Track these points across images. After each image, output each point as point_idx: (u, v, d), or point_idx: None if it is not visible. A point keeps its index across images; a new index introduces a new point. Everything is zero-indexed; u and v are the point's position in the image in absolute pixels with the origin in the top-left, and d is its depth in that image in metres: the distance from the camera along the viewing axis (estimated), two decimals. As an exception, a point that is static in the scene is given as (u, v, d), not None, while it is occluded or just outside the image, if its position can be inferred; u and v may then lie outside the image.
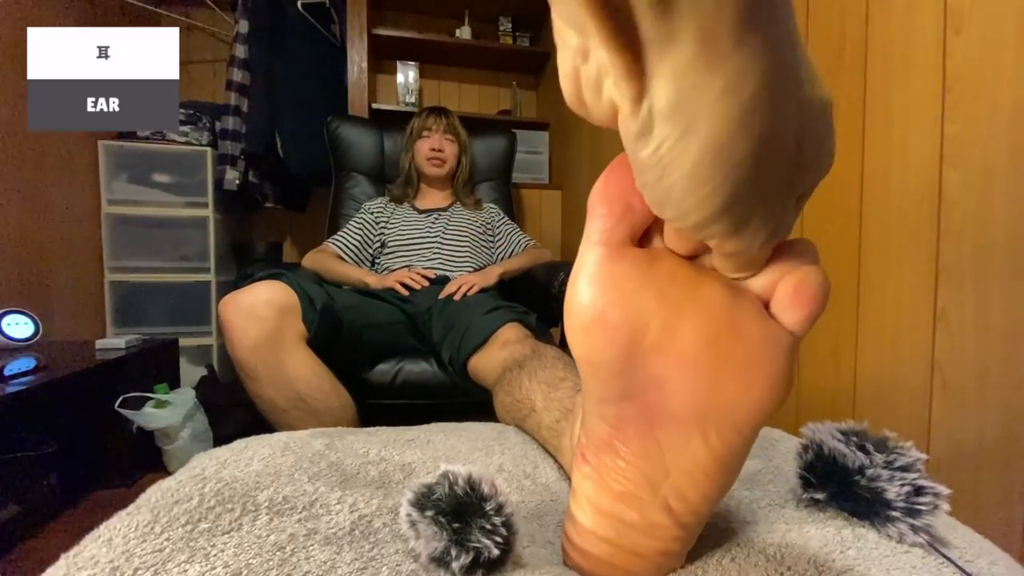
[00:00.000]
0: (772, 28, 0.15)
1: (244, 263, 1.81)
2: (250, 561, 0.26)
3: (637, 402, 0.25)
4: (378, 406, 0.97)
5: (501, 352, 0.77)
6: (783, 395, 0.24)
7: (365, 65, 1.80)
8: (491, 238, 1.38)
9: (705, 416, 0.24)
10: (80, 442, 1.11)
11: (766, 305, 0.24)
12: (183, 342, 1.49)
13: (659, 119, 0.16)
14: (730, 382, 0.24)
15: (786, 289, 0.23)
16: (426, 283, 1.11)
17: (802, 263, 0.23)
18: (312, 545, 0.28)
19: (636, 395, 0.25)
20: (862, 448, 0.32)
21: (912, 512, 0.30)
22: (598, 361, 0.25)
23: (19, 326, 1.16)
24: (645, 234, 0.25)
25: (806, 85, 0.18)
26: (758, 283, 0.24)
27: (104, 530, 0.28)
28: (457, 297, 1.05)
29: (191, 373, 1.58)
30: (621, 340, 0.24)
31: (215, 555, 0.26)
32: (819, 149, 0.19)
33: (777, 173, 0.19)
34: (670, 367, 0.24)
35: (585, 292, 0.24)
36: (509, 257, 1.34)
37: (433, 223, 1.30)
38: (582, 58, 0.17)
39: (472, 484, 0.27)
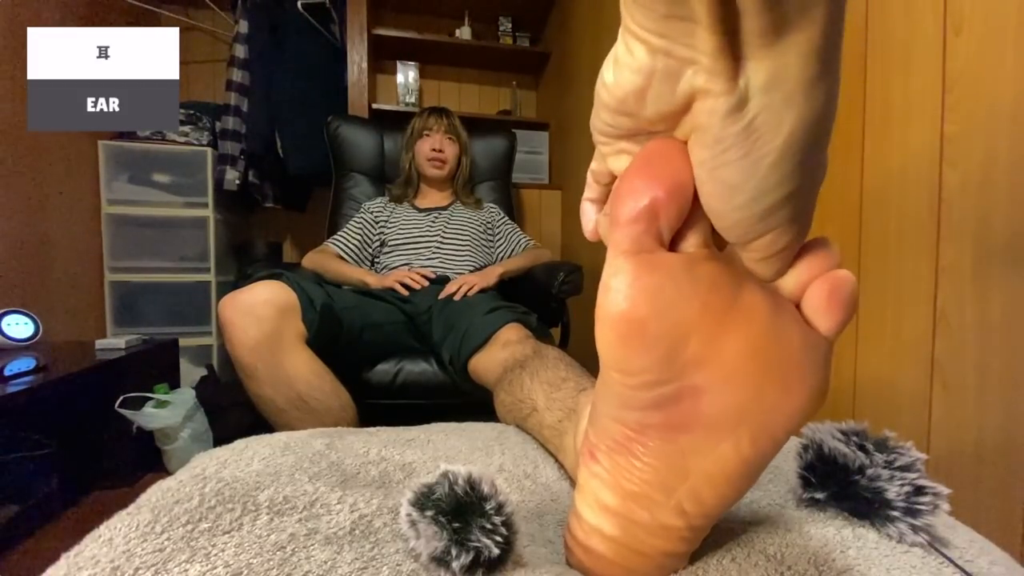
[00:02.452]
0: (842, 32, 0.18)
1: (244, 263, 1.81)
2: (251, 561, 0.26)
3: (666, 409, 0.24)
4: (378, 406, 0.97)
5: (502, 352, 0.77)
6: (821, 401, 0.24)
7: (365, 65, 1.80)
8: (491, 238, 1.38)
9: (740, 424, 0.24)
10: (80, 442, 1.11)
11: (796, 306, 0.24)
12: (183, 342, 1.49)
13: (756, 93, 0.18)
14: (771, 391, 0.23)
15: (819, 294, 0.23)
16: (426, 283, 1.11)
17: (830, 264, 0.23)
18: (312, 545, 0.28)
19: (667, 403, 0.24)
20: (862, 448, 0.32)
21: (912, 512, 0.30)
22: (632, 371, 0.24)
23: (19, 326, 1.16)
24: (676, 238, 0.24)
25: None
26: (787, 284, 0.24)
27: (105, 530, 0.28)
28: (457, 297, 1.05)
29: (191, 373, 1.58)
30: (659, 351, 0.23)
31: (216, 555, 0.26)
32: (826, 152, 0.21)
33: (822, 164, 0.20)
34: (710, 378, 0.23)
35: (621, 302, 0.23)
36: (509, 257, 1.34)
37: (433, 222, 1.31)
38: (664, 55, 0.18)
39: (472, 484, 0.27)
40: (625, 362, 0.24)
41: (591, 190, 0.28)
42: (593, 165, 0.27)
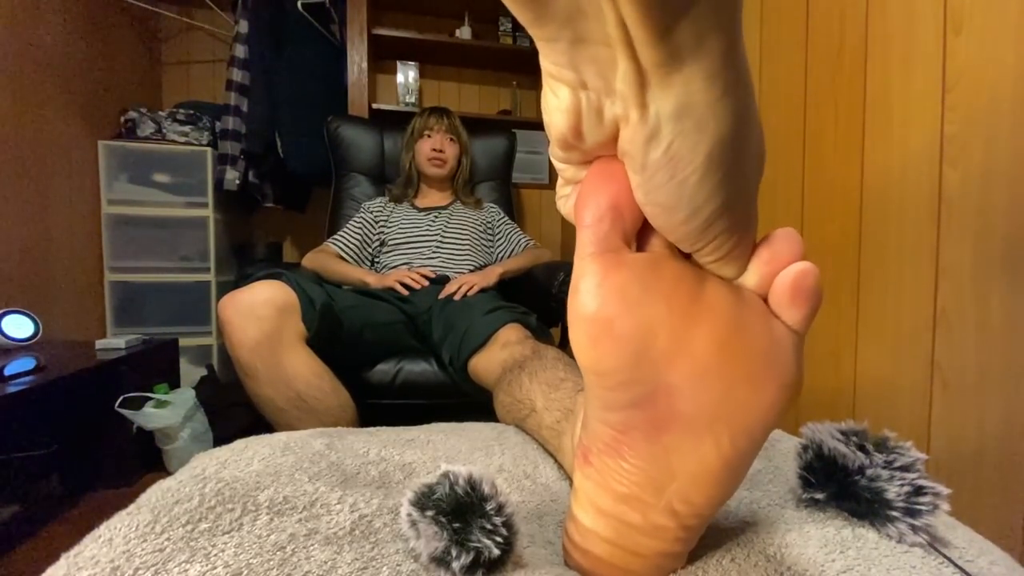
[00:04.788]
0: (743, 56, 0.19)
1: (244, 263, 1.81)
2: (250, 561, 0.26)
3: (645, 409, 0.24)
4: (378, 406, 0.97)
5: (501, 353, 0.77)
6: (794, 395, 0.24)
7: (365, 65, 1.80)
8: (491, 237, 1.38)
9: (716, 421, 0.24)
10: (80, 442, 1.11)
11: (764, 300, 0.24)
12: (183, 342, 1.49)
13: (667, 120, 0.19)
14: (743, 387, 0.23)
15: (783, 288, 0.23)
16: (426, 283, 1.11)
17: (792, 256, 0.23)
18: (312, 545, 0.28)
19: (644, 403, 0.24)
20: (862, 448, 0.32)
21: (912, 512, 0.30)
22: (605, 371, 0.24)
23: (19, 326, 1.16)
24: (640, 237, 0.24)
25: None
26: (751, 279, 0.24)
27: (104, 530, 0.28)
28: (457, 297, 1.05)
29: (191, 373, 1.58)
30: (630, 350, 0.23)
31: (215, 555, 0.26)
32: (763, 150, 0.22)
33: (755, 168, 0.21)
34: (682, 375, 0.24)
35: (589, 303, 0.23)
36: (509, 257, 1.34)
37: (433, 221, 1.31)
38: (582, 87, 0.20)
39: (473, 484, 0.27)
40: (599, 363, 0.24)
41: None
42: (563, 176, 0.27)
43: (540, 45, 0.19)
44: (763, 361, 0.23)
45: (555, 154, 0.24)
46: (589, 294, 0.23)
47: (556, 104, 0.21)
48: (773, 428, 0.25)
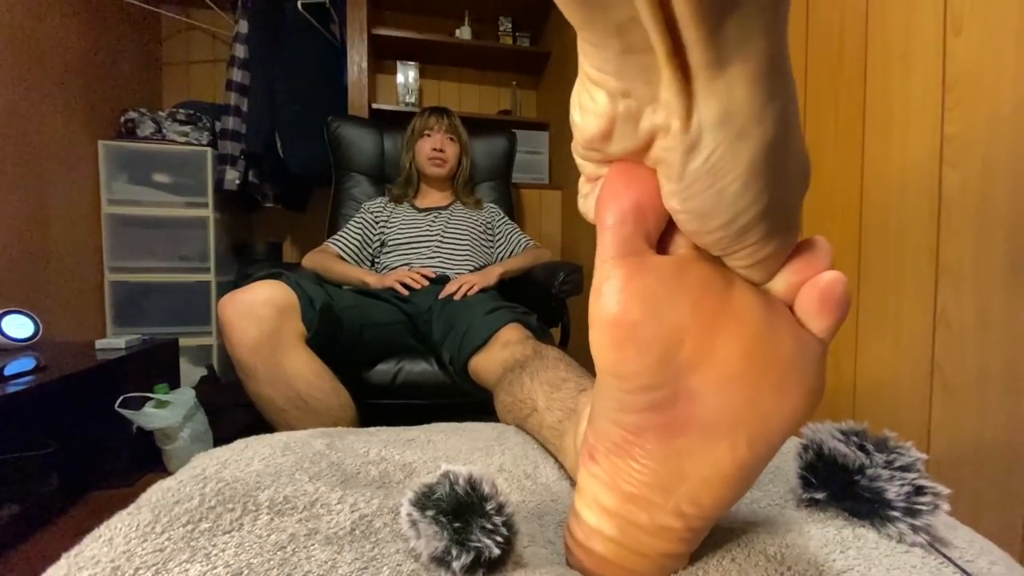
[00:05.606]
0: (787, 62, 0.19)
1: (244, 263, 1.81)
2: (251, 561, 0.26)
3: (662, 412, 0.24)
4: (378, 406, 0.97)
5: (502, 353, 0.77)
6: (816, 403, 0.24)
7: (365, 65, 1.80)
8: (491, 237, 1.38)
9: (736, 427, 0.24)
10: (80, 442, 1.11)
11: (789, 308, 0.24)
12: (183, 342, 1.49)
13: (709, 129, 0.18)
14: (767, 395, 0.23)
15: (811, 297, 0.23)
16: (426, 283, 1.11)
17: (821, 265, 0.23)
18: (313, 545, 0.28)
19: (663, 406, 0.24)
20: (862, 448, 0.32)
21: (912, 512, 0.30)
22: (626, 375, 0.24)
23: (19, 326, 1.16)
24: (664, 239, 0.24)
25: None
26: (779, 286, 0.24)
27: (105, 530, 0.28)
28: (457, 297, 1.05)
29: (191, 373, 1.58)
30: (654, 354, 0.23)
31: (216, 555, 0.26)
32: (807, 159, 0.22)
33: (799, 175, 0.21)
34: (705, 381, 0.23)
35: (612, 306, 0.23)
36: (509, 257, 1.34)
37: (433, 222, 1.31)
38: (623, 96, 0.19)
39: (473, 484, 0.27)
40: (620, 366, 0.24)
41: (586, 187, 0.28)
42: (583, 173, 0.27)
43: (585, 47, 0.19)
44: (789, 369, 0.23)
45: (577, 151, 0.23)
46: (612, 298, 0.23)
47: (592, 107, 0.20)
48: (792, 434, 0.25)
